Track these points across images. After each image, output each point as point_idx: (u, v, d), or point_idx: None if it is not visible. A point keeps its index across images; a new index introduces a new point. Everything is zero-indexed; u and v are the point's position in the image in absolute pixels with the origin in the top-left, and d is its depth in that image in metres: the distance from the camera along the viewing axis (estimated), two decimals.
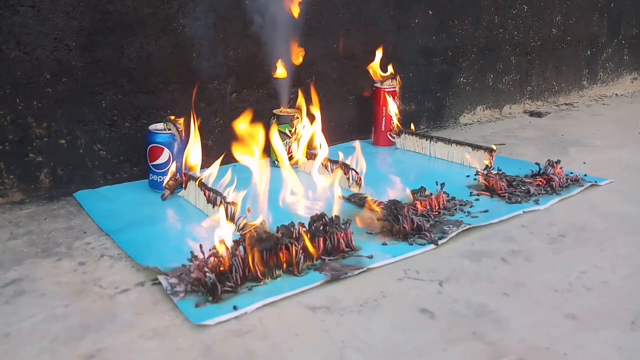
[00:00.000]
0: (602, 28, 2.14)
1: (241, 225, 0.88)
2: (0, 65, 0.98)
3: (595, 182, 1.13)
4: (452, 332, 0.64)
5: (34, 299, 0.70)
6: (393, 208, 0.89)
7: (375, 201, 0.99)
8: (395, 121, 1.39)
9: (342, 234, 0.82)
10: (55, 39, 1.02)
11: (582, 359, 0.59)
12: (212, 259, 0.72)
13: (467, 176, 1.16)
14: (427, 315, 0.67)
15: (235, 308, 0.67)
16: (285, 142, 1.22)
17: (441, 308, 0.68)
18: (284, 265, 0.76)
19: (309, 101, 1.22)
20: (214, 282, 0.69)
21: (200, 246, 0.74)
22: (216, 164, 1.03)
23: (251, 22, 1.21)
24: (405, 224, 0.87)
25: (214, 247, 0.74)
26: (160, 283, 0.73)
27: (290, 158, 1.22)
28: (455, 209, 0.98)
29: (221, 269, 0.72)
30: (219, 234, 0.77)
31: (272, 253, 0.75)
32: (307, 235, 0.78)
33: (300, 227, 0.79)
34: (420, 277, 0.76)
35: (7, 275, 0.76)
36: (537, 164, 1.16)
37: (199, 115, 1.20)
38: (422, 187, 1.00)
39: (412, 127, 1.41)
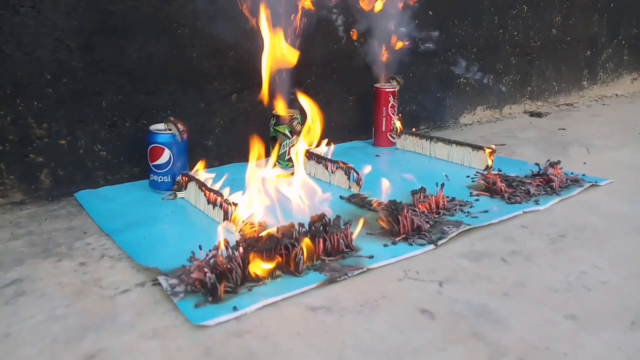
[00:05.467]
0: (602, 28, 2.14)
1: (241, 226, 0.88)
2: (0, 66, 0.98)
3: (595, 182, 1.13)
4: (452, 332, 0.64)
5: (34, 300, 0.70)
6: (393, 208, 0.89)
7: (375, 202, 0.99)
8: (398, 124, 1.39)
9: (342, 235, 0.82)
10: (55, 39, 1.02)
11: (582, 359, 0.59)
12: (212, 259, 0.73)
13: (467, 176, 1.16)
14: (427, 316, 0.67)
15: (235, 308, 0.67)
16: (284, 142, 1.22)
17: (441, 308, 0.69)
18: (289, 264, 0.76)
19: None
20: (214, 283, 0.69)
21: (200, 247, 0.74)
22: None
23: (251, 22, 1.21)
24: (405, 224, 0.87)
25: (215, 248, 0.74)
26: (160, 283, 0.73)
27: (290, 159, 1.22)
28: (455, 210, 0.98)
29: (225, 267, 0.72)
30: None
31: (272, 253, 0.75)
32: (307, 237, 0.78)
33: (300, 228, 0.79)
34: (420, 278, 0.76)
35: (8, 276, 0.76)
36: (537, 164, 1.16)
37: (199, 116, 1.21)
38: (422, 187, 1.00)
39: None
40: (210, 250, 0.74)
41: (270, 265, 0.74)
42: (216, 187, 0.97)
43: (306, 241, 0.77)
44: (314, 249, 0.79)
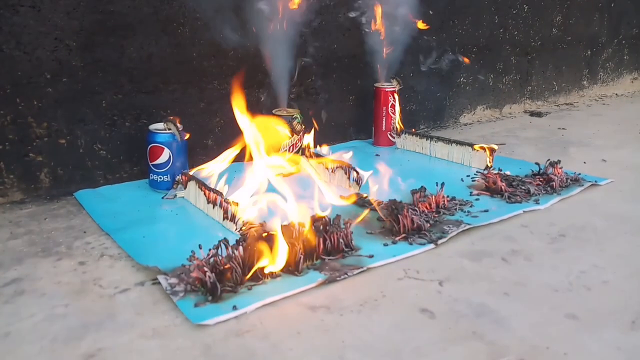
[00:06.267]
0: (603, 28, 2.14)
1: (241, 225, 0.88)
2: (0, 65, 0.98)
3: (595, 181, 1.13)
4: (452, 331, 0.64)
5: (34, 299, 0.70)
6: (393, 208, 0.89)
7: (375, 201, 0.99)
8: (397, 121, 1.39)
9: (341, 234, 0.82)
10: (55, 39, 1.02)
11: (582, 359, 0.59)
12: (212, 259, 0.73)
13: (467, 176, 1.16)
14: (427, 315, 0.67)
15: (234, 308, 0.67)
16: (284, 142, 1.22)
17: (441, 308, 0.68)
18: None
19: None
20: (214, 282, 0.69)
21: (200, 246, 0.74)
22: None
23: (251, 22, 1.21)
24: (405, 223, 0.87)
25: (215, 247, 0.74)
26: (160, 283, 0.72)
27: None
28: (456, 209, 0.98)
29: (226, 267, 0.72)
30: None
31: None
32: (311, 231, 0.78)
33: (301, 227, 0.79)
34: (420, 277, 0.76)
35: (7, 275, 0.76)
36: (537, 163, 1.16)
37: (199, 115, 1.21)
38: (422, 187, 1.00)
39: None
40: (210, 250, 0.74)
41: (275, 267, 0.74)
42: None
43: (307, 236, 0.77)
44: (314, 247, 0.79)
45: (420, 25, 1.45)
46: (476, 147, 1.22)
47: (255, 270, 0.73)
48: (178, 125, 1.05)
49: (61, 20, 1.02)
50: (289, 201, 0.85)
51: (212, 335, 0.63)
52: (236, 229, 0.88)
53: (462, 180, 1.14)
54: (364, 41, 1.41)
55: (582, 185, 1.11)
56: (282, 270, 0.76)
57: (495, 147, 1.21)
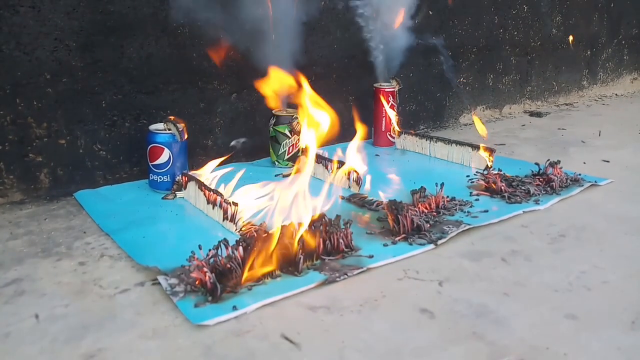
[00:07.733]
0: (602, 28, 2.14)
1: (241, 226, 0.88)
2: (0, 66, 0.98)
3: (595, 182, 1.13)
4: (452, 332, 0.64)
5: (34, 299, 0.70)
6: (393, 208, 0.89)
7: (375, 201, 0.99)
8: (395, 124, 1.39)
9: (341, 234, 0.81)
10: (55, 39, 1.02)
11: (582, 359, 0.59)
12: (212, 259, 0.73)
13: (467, 176, 1.16)
14: (427, 315, 0.67)
15: (234, 308, 0.67)
16: (284, 142, 1.22)
17: (441, 308, 0.68)
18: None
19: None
20: (214, 282, 0.69)
21: (200, 246, 0.74)
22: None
23: (251, 21, 1.21)
24: (405, 224, 0.87)
25: (215, 247, 0.74)
26: (160, 283, 0.72)
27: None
28: (455, 209, 0.98)
29: (227, 266, 0.72)
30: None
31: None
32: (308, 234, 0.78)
33: (300, 227, 0.79)
34: (420, 277, 0.76)
35: (7, 275, 0.76)
36: (536, 164, 1.16)
37: (199, 115, 1.21)
38: (422, 187, 1.00)
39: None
40: (209, 250, 0.74)
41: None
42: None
43: (306, 236, 0.77)
44: (314, 247, 0.79)
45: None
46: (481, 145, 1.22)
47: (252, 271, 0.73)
48: (178, 125, 1.05)
49: (61, 21, 1.02)
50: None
51: (212, 336, 0.63)
52: (236, 230, 0.88)
53: (467, 176, 1.14)
54: (363, 41, 1.41)
55: (582, 185, 1.11)
56: (282, 271, 0.76)
57: (485, 135, 1.21)
